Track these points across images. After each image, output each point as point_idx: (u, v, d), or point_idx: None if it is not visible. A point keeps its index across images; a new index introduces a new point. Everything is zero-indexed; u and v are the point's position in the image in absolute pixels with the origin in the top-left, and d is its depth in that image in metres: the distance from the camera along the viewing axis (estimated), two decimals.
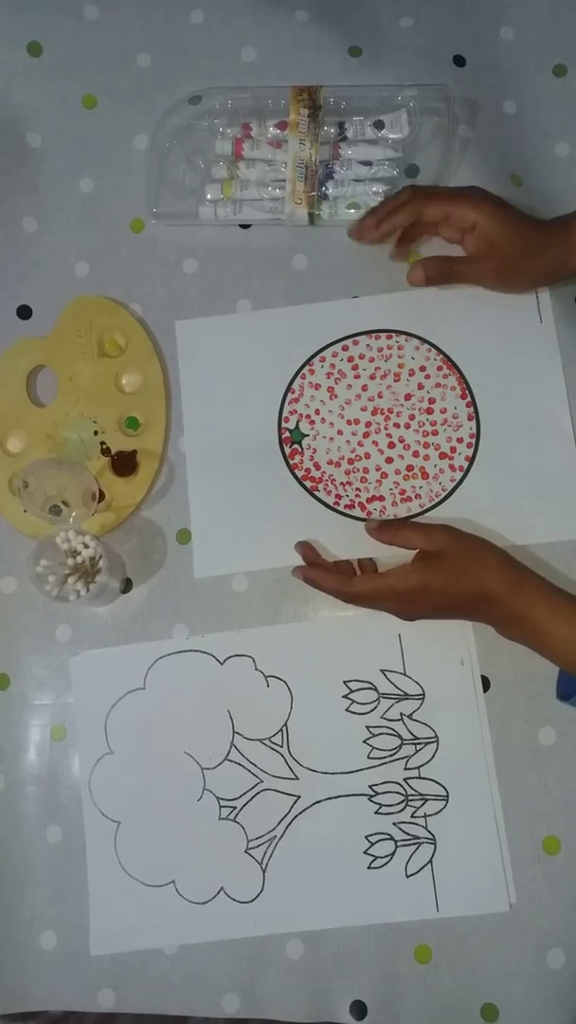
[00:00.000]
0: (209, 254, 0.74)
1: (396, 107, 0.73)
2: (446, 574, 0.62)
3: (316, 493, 0.70)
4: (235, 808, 0.66)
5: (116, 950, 0.66)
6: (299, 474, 0.71)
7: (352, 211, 0.72)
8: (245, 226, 0.74)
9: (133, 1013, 0.65)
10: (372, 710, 0.67)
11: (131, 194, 0.75)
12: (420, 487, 0.70)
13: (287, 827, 0.66)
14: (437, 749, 0.66)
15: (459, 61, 0.76)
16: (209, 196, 0.73)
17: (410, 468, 0.70)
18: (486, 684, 0.67)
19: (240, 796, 0.67)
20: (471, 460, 0.70)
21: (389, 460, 0.70)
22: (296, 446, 0.71)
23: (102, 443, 0.72)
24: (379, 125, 0.72)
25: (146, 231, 0.75)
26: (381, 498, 0.70)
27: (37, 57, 0.78)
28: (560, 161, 0.74)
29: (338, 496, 0.70)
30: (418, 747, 0.67)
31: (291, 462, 0.71)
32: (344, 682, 0.68)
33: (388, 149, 0.72)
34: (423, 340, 0.72)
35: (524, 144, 0.75)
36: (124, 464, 0.71)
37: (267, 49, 0.77)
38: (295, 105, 0.71)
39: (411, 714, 0.67)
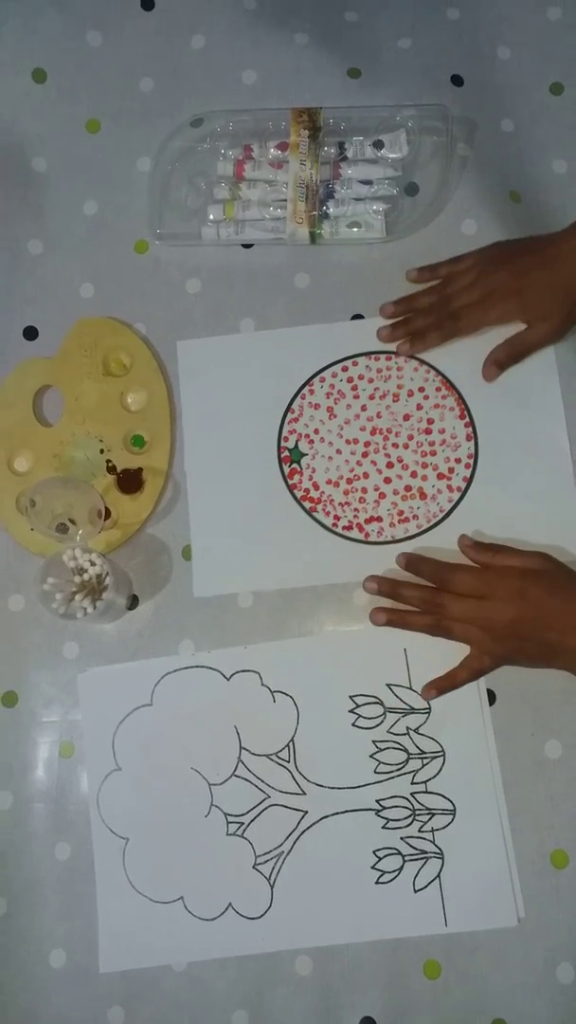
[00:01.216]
0: (212, 274, 0.75)
1: (395, 127, 0.74)
2: (547, 587, 0.62)
3: (315, 514, 0.70)
4: (243, 824, 0.67)
5: (125, 967, 0.66)
6: (298, 494, 0.71)
7: (355, 230, 0.73)
8: (247, 246, 0.75)
9: None
10: (378, 724, 0.67)
11: (135, 216, 0.76)
12: (418, 507, 0.70)
13: (295, 842, 0.66)
14: (444, 763, 0.67)
15: (457, 81, 0.77)
16: (211, 217, 0.74)
17: (408, 488, 0.71)
18: (492, 698, 0.67)
19: (247, 812, 0.67)
20: (469, 480, 0.70)
21: (388, 480, 0.71)
22: (295, 465, 0.72)
23: (108, 461, 0.73)
24: (379, 145, 0.73)
25: (150, 252, 0.76)
26: (379, 519, 0.70)
27: (42, 83, 0.79)
28: (558, 178, 0.75)
29: (336, 517, 0.70)
30: (425, 761, 0.67)
31: (290, 482, 0.71)
32: (350, 697, 0.68)
33: (388, 168, 0.73)
34: (422, 361, 0.72)
35: (522, 162, 0.76)
36: (130, 482, 0.72)
37: (267, 72, 0.78)
38: (295, 126, 0.72)
39: (417, 728, 0.67)
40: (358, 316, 0.73)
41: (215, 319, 0.74)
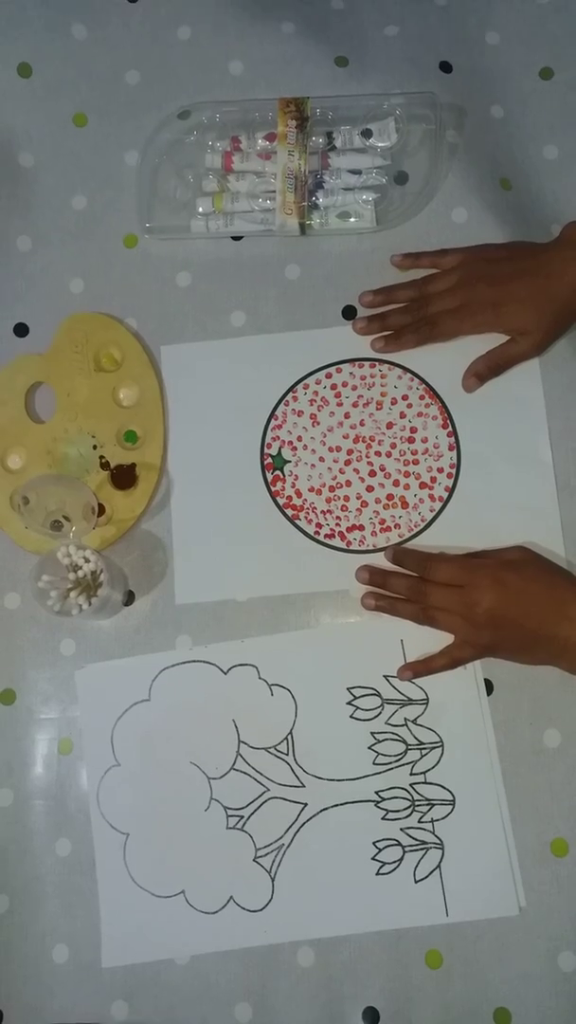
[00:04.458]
0: (202, 267, 0.75)
1: (383, 115, 0.73)
2: (526, 576, 0.63)
3: (297, 522, 0.70)
4: (242, 817, 0.67)
5: (128, 962, 0.66)
6: (280, 501, 0.71)
7: (345, 220, 0.72)
8: (237, 238, 0.75)
9: None
10: (376, 716, 0.67)
11: (123, 210, 0.76)
12: (400, 516, 0.70)
13: (295, 835, 0.66)
14: (442, 754, 0.67)
15: (445, 67, 0.76)
16: (200, 209, 0.74)
17: (390, 497, 0.70)
18: (489, 687, 0.67)
19: (247, 805, 0.67)
20: (451, 491, 0.70)
21: (370, 488, 0.70)
22: (278, 472, 0.71)
23: (101, 457, 0.72)
24: (367, 134, 0.73)
25: (139, 246, 0.75)
26: (361, 527, 0.70)
27: (27, 78, 0.78)
28: (548, 164, 0.75)
29: (319, 525, 0.70)
30: (423, 752, 0.67)
31: (273, 489, 0.71)
32: (348, 689, 0.68)
33: (377, 157, 0.73)
34: (406, 369, 0.72)
35: (512, 148, 0.75)
36: (123, 478, 0.72)
37: (254, 62, 0.77)
38: (283, 117, 0.72)
39: (415, 719, 0.67)
40: (349, 307, 0.73)
41: (206, 312, 0.74)
